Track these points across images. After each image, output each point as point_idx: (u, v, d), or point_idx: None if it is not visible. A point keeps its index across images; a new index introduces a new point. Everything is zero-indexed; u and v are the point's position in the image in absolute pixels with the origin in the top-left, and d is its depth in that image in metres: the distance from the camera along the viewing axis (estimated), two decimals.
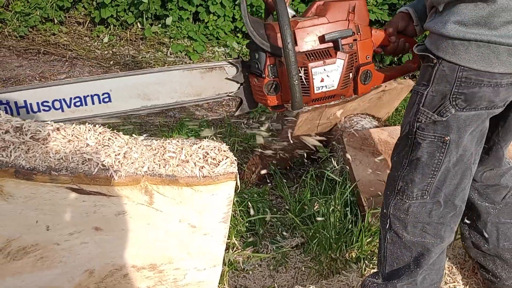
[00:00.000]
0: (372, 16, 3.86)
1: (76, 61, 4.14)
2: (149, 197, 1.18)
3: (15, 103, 1.33)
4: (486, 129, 1.30)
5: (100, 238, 1.18)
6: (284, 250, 1.86)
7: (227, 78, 1.49)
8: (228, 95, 1.51)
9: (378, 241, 1.77)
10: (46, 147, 1.15)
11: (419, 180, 1.31)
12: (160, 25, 4.58)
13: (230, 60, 1.49)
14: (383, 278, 1.43)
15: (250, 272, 1.78)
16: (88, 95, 1.39)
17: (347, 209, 1.92)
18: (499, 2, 1.12)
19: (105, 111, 1.41)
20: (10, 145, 1.12)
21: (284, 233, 2.02)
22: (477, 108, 1.22)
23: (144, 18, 4.49)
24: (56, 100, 1.37)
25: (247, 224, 1.99)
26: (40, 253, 1.15)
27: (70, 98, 1.39)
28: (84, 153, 1.16)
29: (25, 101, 1.34)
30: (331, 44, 1.40)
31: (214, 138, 1.33)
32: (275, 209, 2.16)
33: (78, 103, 1.40)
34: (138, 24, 4.60)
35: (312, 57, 1.39)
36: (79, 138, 1.21)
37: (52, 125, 1.20)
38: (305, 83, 1.38)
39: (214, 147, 1.26)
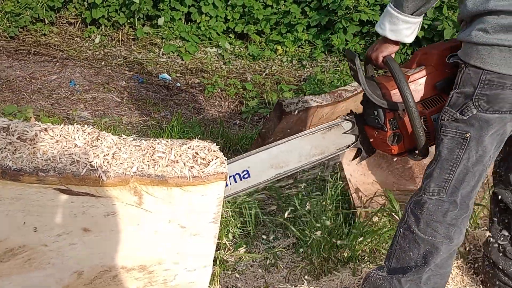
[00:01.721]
0: (363, 17, 3.87)
1: (67, 62, 4.11)
2: (138, 198, 1.17)
3: None
4: (506, 136, 1.36)
5: (89, 239, 1.17)
6: (276, 250, 1.86)
7: (344, 133, 1.66)
8: (347, 147, 1.67)
9: (369, 240, 1.78)
10: (34, 147, 1.14)
11: (437, 174, 1.37)
12: (152, 26, 4.56)
13: (346, 117, 1.67)
14: (388, 271, 1.46)
15: (242, 273, 1.78)
16: (230, 176, 1.51)
17: (338, 209, 1.92)
18: None
19: (245, 186, 1.55)
20: None
21: (276, 234, 2.02)
22: (500, 111, 1.28)
23: (136, 18, 4.47)
24: None
25: (238, 224, 1.98)
26: (28, 255, 1.14)
27: None
28: (72, 153, 1.15)
29: None
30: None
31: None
32: (266, 209, 2.16)
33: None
34: (130, 24, 4.59)
35: (428, 106, 1.52)
36: (67, 139, 1.20)
37: (40, 126, 1.19)
38: (426, 129, 1.50)
39: (204, 147, 1.25)
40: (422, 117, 1.47)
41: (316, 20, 4.14)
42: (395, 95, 1.51)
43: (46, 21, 4.55)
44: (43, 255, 1.15)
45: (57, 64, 4.06)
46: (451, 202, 1.37)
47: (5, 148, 1.11)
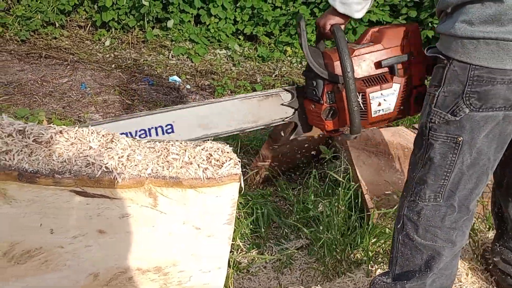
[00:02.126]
0: (373, 17, 3.86)
1: (78, 65, 4.15)
2: (153, 199, 1.17)
3: None
4: (508, 135, 1.26)
5: (104, 241, 1.17)
6: (289, 251, 1.85)
7: (282, 104, 1.55)
8: (283, 120, 1.57)
9: (383, 241, 1.77)
10: (49, 150, 1.15)
11: (432, 181, 1.30)
12: (161, 28, 4.58)
13: (286, 87, 1.56)
14: (393, 278, 1.43)
15: (255, 274, 1.77)
16: (152, 127, 1.45)
17: (351, 210, 1.91)
18: (506, 1, 1.12)
19: None
20: (13, 148, 1.11)
21: (289, 235, 2.02)
22: (494, 108, 1.19)
23: (146, 21, 4.50)
24: (123, 133, 1.40)
25: (251, 226, 1.98)
26: (44, 257, 1.14)
27: (136, 131, 1.46)
28: (87, 155, 1.15)
29: None
30: (386, 69, 1.45)
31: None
32: (279, 211, 2.16)
33: (143, 135, 1.47)
34: (140, 27, 4.61)
35: (369, 83, 1.44)
36: (82, 141, 1.20)
37: (54, 128, 1.20)
38: (363, 108, 1.43)
39: (218, 149, 1.25)
40: (361, 94, 1.40)
41: None
42: (338, 67, 1.42)
43: (57, 25, 4.59)
44: (59, 257, 1.16)
45: (68, 67, 4.10)
46: (448, 206, 1.31)
47: (21, 150, 1.12)
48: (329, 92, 1.44)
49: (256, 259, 1.88)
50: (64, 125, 1.67)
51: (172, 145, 1.24)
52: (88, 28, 4.76)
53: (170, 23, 4.46)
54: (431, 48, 1.31)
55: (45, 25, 4.56)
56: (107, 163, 1.15)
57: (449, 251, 1.36)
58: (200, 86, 3.88)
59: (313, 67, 1.42)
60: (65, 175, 1.11)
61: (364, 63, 1.44)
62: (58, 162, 1.13)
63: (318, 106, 1.47)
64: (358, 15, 1.43)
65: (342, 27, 1.45)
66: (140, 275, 1.23)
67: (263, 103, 1.54)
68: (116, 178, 1.13)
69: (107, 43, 4.51)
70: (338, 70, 1.42)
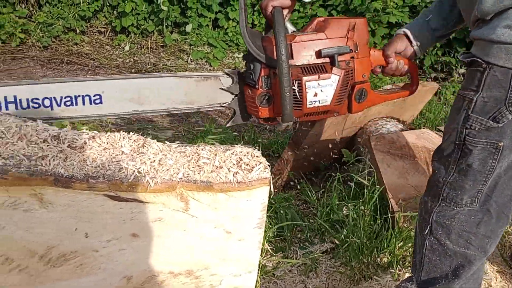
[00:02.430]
0: (392, 19, 3.83)
1: (99, 70, 4.21)
2: (185, 203, 1.19)
3: (5, 97, 1.31)
4: None
5: (137, 245, 1.19)
6: (314, 255, 1.85)
7: (221, 89, 1.47)
8: (221, 106, 1.49)
9: (410, 245, 1.75)
10: (83, 155, 1.17)
11: (470, 187, 1.27)
12: (180, 33, 4.63)
13: (227, 71, 1.48)
14: (417, 284, 1.41)
15: (281, 278, 1.77)
16: (79, 95, 1.36)
17: (376, 213, 1.90)
18: None
19: (95, 113, 1.39)
20: (48, 153, 1.14)
21: (313, 238, 2.01)
22: None
23: (164, 26, 4.55)
24: (47, 98, 1.34)
25: (275, 229, 1.98)
26: (79, 260, 1.16)
27: (61, 97, 1.36)
28: (120, 160, 1.17)
29: (14, 97, 1.32)
30: (327, 60, 1.38)
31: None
32: (302, 214, 2.15)
33: (68, 103, 1.37)
34: (158, 32, 4.66)
35: (306, 71, 1.37)
36: (114, 146, 1.22)
37: (87, 134, 1.22)
38: (298, 96, 1.37)
39: (247, 153, 1.26)
40: (297, 82, 1.34)
41: None
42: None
43: (78, 31, 4.67)
44: (94, 261, 1.17)
45: (89, 72, 4.17)
46: (484, 212, 1.29)
47: (56, 156, 1.14)
48: (265, 76, 1.38)
49: (281, 262, 1.88)
50: (87, 129, 1.70)
51: (202, 149, 1.25)
52: (108, 33, 4.83)
53: (188, 28, 4.50)
54: (465, 54, 1.27)
55: (66, 31, 4.64)
56: (140, 167, 1.16)
57: (480, 260, 1.33)
58: None
59: (250, 48, 1.35)
60: (99, 180, 1.13)
61: (304, 51, 1.38)
62: (92, 167, 1.15)
63: (253, 91, 1.40)
64: None
65: (285, 11, 1.39)
66: (172, 278, 1.24)
67: (200, 85, 1.46)
68: (149, 183, 1.14)
69: (127, 48, 4.57)
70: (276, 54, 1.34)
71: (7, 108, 1.31)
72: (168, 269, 1.23)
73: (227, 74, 1.46)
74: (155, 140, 1.27)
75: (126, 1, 4.43)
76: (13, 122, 1.18)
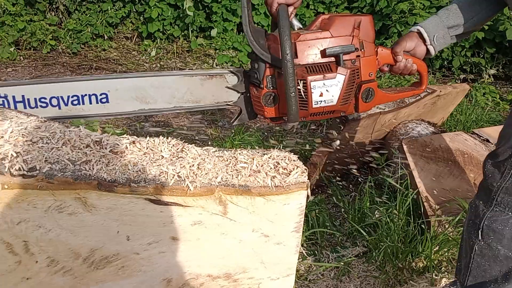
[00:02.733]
0: (419, 20, 3.78)
1: None
2: (223, 207, 1.20)
3: (13, 97, 1.33)
4: None
5: (177, 248, 1.20)
6: (347, 259, 1.84)
7: (227, 87, 1.46)
8: (227, 104, 1.48)
9: (446, 250, 1.72)
10: (125, 159, 1.19)
11: None
12: (205, 37, 4.67)
13: (232, 69, 1.47)
14: None
15: (314, 282, 1.77)
16: (85, 94, 1.37)
17: (409, 217, 1.88)
18: None
19: (102, 112, 1.40)
20: (92, 158, 1.16)
21: (344, 242, 2.00)
22: None
23: (190, 30, 4.60)
24: (54, 97, 1.36)
25: (306, 233, 1.98)
26: (121, 262, 1.19)
27: (68, 96, 1.37)
28: (160, 165, 1.19)
29: (23, 96, 1.34)
30: (332, 59, 1.36)
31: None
32: (333, 218, 2.14)
33: (75, 102, 1.38)
34: (184, 36, 4.72)
35: (311, 71, 1.36)
36: (154, 151, 1.24)
37: (128, 139, 1.25)
38: (304, 96, 1.35)
39: (284, 157, 1.27)
40: (302, 81, 1.32)
41: None
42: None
43: (105, 37, 4.77)
44: (135, 263, 1.20)
45: None
46: None
47: (99, 160, 1.17)
48: (269, 76, 1.36)
49: (313, 266, 1.87)
50: (117, 134, 1.73)
51: (240, 153, 1.26)
52: (134, 39, 4.92)
53: (213, 32, 4.54)
54: None
55: (94, 37, 4.74)
56: (179, 171, 1.18)
57: None
58: None
59: (254, 48, 1.34)
60: (141, 184, 1.15)
61: (309, 50, 1.36)
62: (133, 171, 1.17)
63: (259, 91, 1.39)
64: None
65: (291, 9, 1.36)
66: (211, 281, 1.25)
67: (206, 83, 1.45)
68: (188, 186, 1.16)
69: (153, 53, 4.64)
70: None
71: (15, 107, 1.34)
72: (206, 272, 1.24)
73: (233, 72, 1.45)
74: (193, 145, 1.29)
75: (152, 7, 4.50)
76: (57, 128, 1.21)
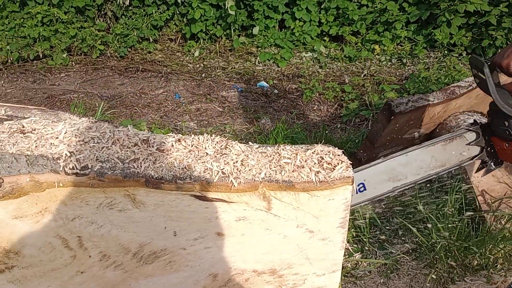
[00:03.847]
0: (470, 7, 3.61)
1: (171, 76, 4.38)
2: (267, 203, 1.20)
3: None
4: None
5: (222, 243, 1.22)
6: (395, 256, 1.79)
7: (468, 144, 1.57)
8: (471, 159, 1.58)
9: (503, 246, 1.64)
10: (171, 157, 1.22)
11: None
12: (247, 36, 4.69)
13: (470, 128, 1.59)
14: None
15: (361, 279, 1.74)
16: None
17: (461, 213, 1.80)
18: None
19: (360, 200, 1.52)
20: (140, 156, 1.20)
21: (392, 239, 1.95)
22: None
23: (232, 30, 4.63)
24: None
25: (352, 229, 1.94)
26: (168, 257, 1.22)
27: None
28: (205, 162, 1.21)
29: None
30: None
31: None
32: (379, 215, 2.09)
33: None
34: (226, 36, 4.76)
35: None
36: (198, 148, 1.26)
37: (173, 137, 1.27)
38: None
39: (329, 152, 1.25)
40: None
41: (416, 16, 3.96)
42: None
43: (151, 40, 4.90)
44: (182, 258, 1.22)
45: (162, 79, 4.35)
46: None
47: (146, 158, 1.20)
48: None
49: (360, 263, 1.84)
50: (163, 133, 1.77)
51: (283, 149, 1.26)
52: (178, 40, 5.02)
53: (255, 30, 4.55)
54: None
55: (140, 40, 4.88)
56: (223, 168, 1.19)
57: None
58: (288, 90, 3.90)
59: (505, 110, 1.43)
60: (186, 181, 1.17)
61: None
62: (179, 168, 1.19)
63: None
64: None
65: None
66: (256, 277, 1.26)
67: (448, 147, 1.58)
68: (233, 183, 1.17)
69: (196, 53, 4.72)
70: None
71: None
72: (252, 268, 1.25)
73: (470, 130, 1.58)
74: (236, 141, 1.29)
75: (195, 8, 4.57)
76: (107, 128, 1.26)
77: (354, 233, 1.96)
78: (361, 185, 1.50)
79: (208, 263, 1.24)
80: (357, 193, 1.49)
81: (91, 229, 1.17)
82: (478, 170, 1.62)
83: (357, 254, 1.88)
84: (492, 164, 1.57)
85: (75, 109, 3.47)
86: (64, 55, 4.58)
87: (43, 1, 4.90)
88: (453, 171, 1.97)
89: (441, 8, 3.79)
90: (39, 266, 1.18)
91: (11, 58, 4.50)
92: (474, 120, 1.64)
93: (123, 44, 4.78)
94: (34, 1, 4.91)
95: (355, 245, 1.93)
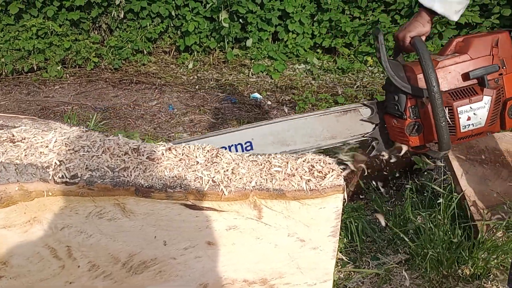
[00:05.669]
0: (461, 20, 3.67)
1: (165, 88, 4.39)
2: (258, 212, 1.19)
3: None
4: None
5: (212, 252, 1.21)
6: (389, 266, 1.78)
7: (362, 120, 1.52)
8: (363, 136, 1.53)
9: (496, 256, 1.64)
10: (161, 166, 1.22)
11: None
12: (240, 48, 4.73)
13: (365, 102, 1.52)
14: None
15: None
16: (232, 145, 1.49)
17: (454, 223, 1.80)
18: None
19: None
20: (130, 165, 1.19)
21: (385, 249, 1.94)
22: None
23: (226, 42, 4.66)
24: None
25: (345, 240, 1.94)
26: (158, 267, 1.21)
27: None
28: (195, 170, 1.20)
29: None
30: (475, 81, 1.37)
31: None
32: (373, 224, 2.09)
33: None
34: (220, 48, 4.79)
35: (456, 96, 1.37)
36: (189, 157, 1.26)
37: (164, 146, 1.27)
38: (451, 122, 1.36)
39: (319, 160, 1.25)
40: (447, 108, 1.31)
41: None
42: (420, 80, 1.35)
43: (145, 52, 4.92)
44: (172, 268, 1.21)
45: (156, 90, 4.36)
46: None
47: (136, 167, 1.20)
48: (412, 106, 1.39)
49: (353, 274, 1.83)
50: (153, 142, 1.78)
51: (273, 157, 1.26)
52: (172, 53, 5.04)
53: (249, 42, 4.59)
54: None
55: (134, 53, 4.90)
56: (214, 176, 1.19)
57: None
58: (281, 101, 3.92)
59: (395, 81, 1.37)
60: (176, 189, 1.17)
61: (449, 75, 1.37)
62: (169, 177, 1.19)
63: (401, 122, 1.43)
64: (456, 16, 1.35)
65: (423, 38, 1.39)
66: (247, 287, 1.25)
67: (341, 119, 1.51)
68: (223, 191, 1.17)
69: (190, 65, 4.74)
70: (421, 83, 1.36)
71: None
72: (243, 277, 1.24)
73: (366, 105, 1.52)
74: (227, 150, 1.29)
75: (189, 21, 4.61)
76: (98, 137, 1.25)
77: (347, 244, 1.95)
78: (248, 144, 1.48)
79: (198, 273, 1.23)
80: (243, 151, 1.46)
81: (80, 238, 1.15)
82: (371, 149, 1.56)
83: (350, 264, 1.87)
84: (383, 144, 1.51)
85: (69, 120, 3.47)
86: (59, 68, 4.58)
87: (38, 14, 4.92)
88: (446, 175, 1.98)
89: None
90: (27, 277, 1.16)
91: (6, 71, 4.50)
92: (371, 96, 1.62)
93: (117, 56, 4.79)
94: (29, 14, 4.93)
95: (349, 256, 1.92)
